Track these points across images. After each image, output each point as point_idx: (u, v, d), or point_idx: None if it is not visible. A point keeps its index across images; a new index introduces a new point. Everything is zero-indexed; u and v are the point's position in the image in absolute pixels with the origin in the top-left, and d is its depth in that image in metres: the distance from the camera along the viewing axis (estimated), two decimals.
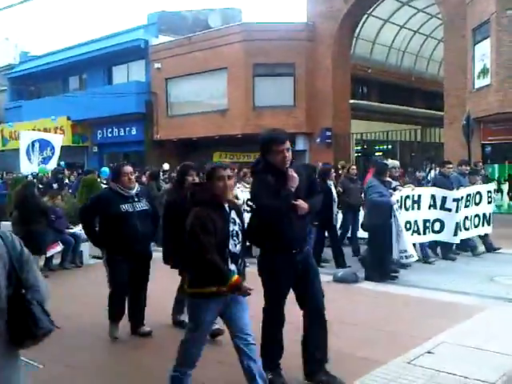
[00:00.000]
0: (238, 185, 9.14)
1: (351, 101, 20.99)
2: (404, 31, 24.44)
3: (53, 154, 17.92)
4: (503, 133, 15.73)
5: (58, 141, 18.46)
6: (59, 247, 8.58)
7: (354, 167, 10.44)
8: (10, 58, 32.37)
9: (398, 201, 7.78)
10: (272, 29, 19.82)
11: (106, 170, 15.18)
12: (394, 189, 8.09)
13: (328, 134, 19.63)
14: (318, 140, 19.78)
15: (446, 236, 8.74)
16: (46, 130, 25.73)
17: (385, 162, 8.90)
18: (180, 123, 21.78)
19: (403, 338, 4.95)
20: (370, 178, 7.90)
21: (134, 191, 5.14)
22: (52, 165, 17.59)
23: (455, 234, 8.74)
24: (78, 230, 9.40)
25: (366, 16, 21.35)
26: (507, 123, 15.38)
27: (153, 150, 22.89)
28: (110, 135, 24.57)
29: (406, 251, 7.63)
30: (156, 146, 22.94)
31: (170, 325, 5.38)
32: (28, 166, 16.94)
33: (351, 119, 20.81)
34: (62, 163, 20.01)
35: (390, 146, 22.63)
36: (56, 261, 8.83)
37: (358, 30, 21.55)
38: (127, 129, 23.71)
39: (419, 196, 8.42)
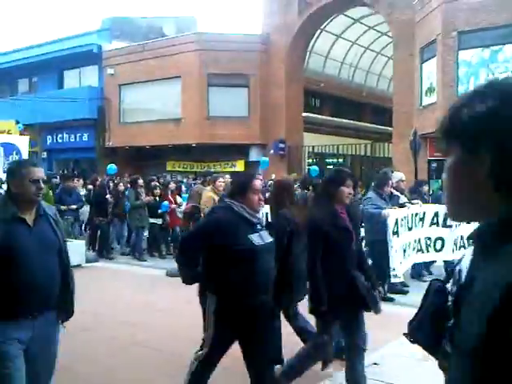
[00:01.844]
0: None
1: (304, 114, 21.36)
2: (356, 47, 25.11)
3: (20, 158, 17.08)
4: None
5: (24, 143, 17.48)
6: None
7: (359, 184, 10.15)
8: None
9: (404, 217, 7.26)
10: (227, 39, 19.96)
11: (112, 166, 14.24)
12: (402, 205, 7.41)
13: (281, 145, 19.88)
14: (272, 151, 20.00)
15: (445, 255, 8.26)
16: None
17: (385, 171, 8.10)
18: (133, 131, 21.53)
19: None
20: (369, 191, 7.43)
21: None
22: None
23: (453, 252, 8.19)
24: None
25: (319, 31, 21.80)
26: None
27: (104, 157, 22.48)
28: (60, 141, 23.97)
29: (394, 269, 7.15)
30: (108, 153, 22.55)
31: None
32: None
33: (304, 132, 21.16)
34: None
35: (341, 160, 23.12)
36: None
37: (311, 45, 21.98)
38: (78, 135, 23.21)
39: (424, 213, 7.95)
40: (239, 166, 20.51)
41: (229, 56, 19.51)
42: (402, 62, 17.39)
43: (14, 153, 16.82)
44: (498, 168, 0.89)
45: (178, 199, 12.08)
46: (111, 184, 12.96)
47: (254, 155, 20.52)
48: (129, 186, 11.92)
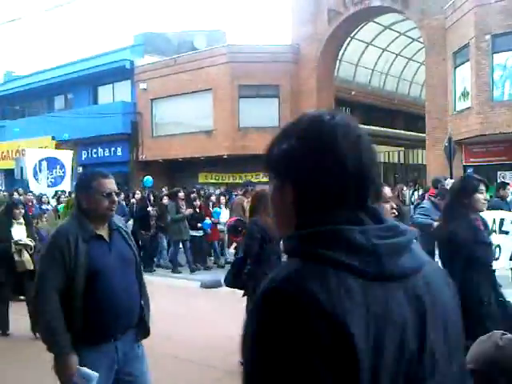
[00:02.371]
0: None
1: None
2: (386, 54, 24.89)
3: (64, 173, 16.82)
4: (484, 155, 16.02)
5: (68, 158, 17.45)
6: None
7: (405, 188, 9.83)
8: None
9: None
10: (257, 51, 20.07)
11: (149, 179, 14.04)
12: None
13: None
14: None
15: (502, 263, 7.75)
16: None
17: (438, 179, 7.66)
18: (165, 144, 21.81)
19: None
20: (425, 200, 6.92)
21: None
22: (66, 185, 16.35)
23: (510, 259, 7.73)
24: None
25: (349, 39, 21.72)
26: (488, 145, 15.68)
27: (138, 170, 22.83)
28: (94, 156, 24.47)
29: None
30: (141, 166, 22.90)
31: None
32: (36, 187, 15.93)
33: None
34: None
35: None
36: None
37: (341, 53, 21.90)
38: (112, 149, 23.65)
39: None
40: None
41: (259, 67, 19.60)
42: (434, 67, 17.15)
43: (58, 167, 16.83)
44: (297, 199, 1.04)
45: (224, 211, 12.03)
46: (151, 197, 12.94)
47: None
48: (168, 198, 11.85)
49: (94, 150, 24.38)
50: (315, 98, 19.85)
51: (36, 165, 16.43)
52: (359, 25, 20.88)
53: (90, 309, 2.59)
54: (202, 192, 13.74)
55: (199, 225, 11.32)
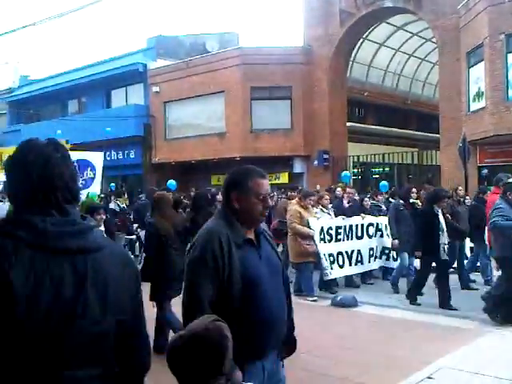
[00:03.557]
0: (315, 209, 8.75)
1: (348, 124, 21.18)
2: (399, 55, 24.78)
3: (95, 174, 16.73)
4: (499, 155, 15.86)
5: (99, 159, 17.35)
6: None
7: (461, 188, 9.90)
8: (9, 82, 32.64)
9: None
10: (269, 53, 20.08)
11: (172, 182, 13.89)
12: None
13: (325, 156, 19.75)
14: (316, 162, 19.89)
15: None
16: None
17: (500, 177, 7.80)
18: (178, 146, 21.89)
19: (403, 363, 4.95)
20: (497, 200, 6.66)
21: None
22: (96, 187, 15.99)
23: None
24: None
25: (361, 40, 21.65)
26: (503, 145, 15.52)
27: (151, 173, 22.95)
28: (108, 158, 24.53)
29: None
30: (154, 169, 23.02)
31: None
32: None
33: (348, 142, 20.97)
34: (112, 185, 18.80)
35: (387, 169, 22.76)
36: None
37: (353, 54, 21.84)
38: (126, 152, 23.77)
39: None
40: (283, 178, 20.50)
41: (271, 69, 19.61)
42: (447, 67, 17.03)
43: (89, 169, 16.72)
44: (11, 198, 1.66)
45: None
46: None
47: (298, 167, 20.47)
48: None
49: (108, 153, 24.49)
50: (328, 99, 19.81)
51: None
52: (371, 26, 20.81)
53: (245, 322, 2.23)
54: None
55: None
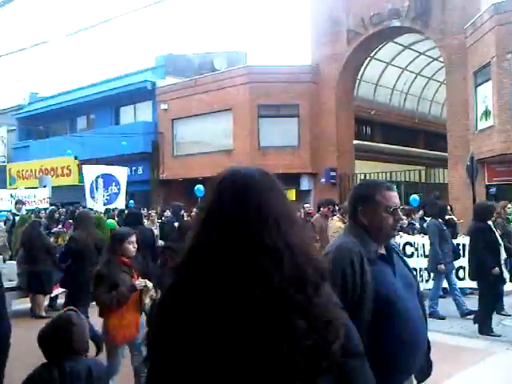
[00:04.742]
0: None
1: (355, 141, 21.21)
2: (406, 74, 24.87)
3: (119, 190, 16.53)
4: (507, 174, 15.80)
5: (123, 174, 17.06)
6: None
7: (510, 206, 9.49)
8: (19, 99, 33.03)
9: None
10: (276, 71, 20.21)
11: (200, 188, 13.52)
12: None
13: (332, 174, 19.75)
14: (323, 180, 19.89)
15: None
16: (52, 170, 26.03)
17: None
18: (185, 163, 21.98)
19: None
20: None
21: None
22: (120, 203, 16.13)
23: None
24: None
25: (368, 59, 21.76)
26: (511, 164, 15.47)
27: (158, 189, 23.03)
28: None
29: None
30: (162, 185, 23.08)
31: None
32: (93, 206, 15.79)
33: (355, 160, 20.97)
34: (131, 202, 18.33)
35: (394, 187, 22.67)
36: (60, 301, 8.78)
37: (361, 73, 21.94)
38: (133, 168, 23.86)
39: None
40: (290, 196, 20.47)
41: (279, 87, 19.72)
42: (455, 86, 17.07)
43: (113, 184, 16.63)
44: None
45: None
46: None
47: (305, 184, 20.47)
48: None
49: None
50: (335, 117, 19.87)
51: (93, 182, 16.20)
52: (378, 45, 20.93)
53: (378, 344, 1.99)
54: None
55: None
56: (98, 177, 16.28)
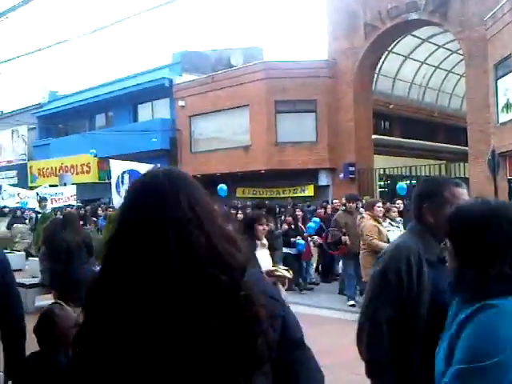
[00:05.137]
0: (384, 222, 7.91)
1: (373, 136, 21.05)
2: (425, 67, 24.60)
3: None
4: None
5: None
6: None
7: None
8: (39, 98, 33.42)
9: None
10: (293, 66, 20.14)
11: (222, 188, 13.66)
12: None
13: (351, 169, 19.64)
14: (341, 175, 19.79)
15: None
16: (72, 167, 26.30)
17: None
18: (203, 159, 22.04)
19: None
20: None
21: None
22: None
23: None
24: None
25: (386, 53, 21.57)
26: None
27: None
28: None
29: None
30: None
31: None
32: (118, 201, 15.17)
33: (374, 154, 20.82)
34: None
35: (414, 181, 22.48)
36: None
37: (378, 67, 21.76)
38: (152, 165, 23.98)
39: None
40: (309, 191, 20.44)
41: (296, 82, 19.65)
42: (474, 79, 16.83)
43: None
44: None
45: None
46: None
47: (323, 179, 20.40)
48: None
49: None
50: (353, 111, 19.74)
51: (119, 177, 16.24)
52: (396, 38, 20.73)
53: (431, 353, 1.80)
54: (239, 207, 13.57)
55: (292, 240, 10.19)
56: (124, 172, 16.32)
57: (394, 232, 7.68)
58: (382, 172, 20.62)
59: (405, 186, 12.60)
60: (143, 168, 17.17)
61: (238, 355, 1.14)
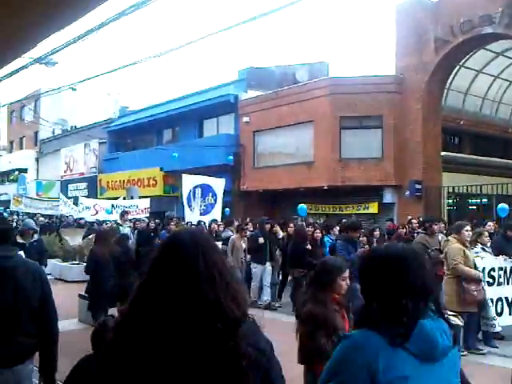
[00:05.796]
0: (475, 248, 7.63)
1: (442, 153, 20.32)
2: (499, 81, 23.59)
3: (215, 201, 16.44)
4: None
5: (220, 186, 17.06)
6: None
7: None
8: (110, 113, 34.81)
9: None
10: (359, 82, 19.82)
11: (303, 207, 13.32)
12: None
13: (417, 186, 19.01)
14: (407, 193, 19.20)
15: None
16: (139, 181, 27.06)
17: None
18: (266, 175, 22.05)
19: None
20: None
21: None
22: (216, 214, 16.04)
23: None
24: None
25: (457, 67, 20.85)
26: None
27: (239, 200, 23.25)
28: None
29: None
30: (242, 196, 23.28)
31: None
32: (190, 215, 15.81)
33: (443, 172, 20.08)
34: (227, 210, 18.17)
35: (485, 200, 21.48)
36: None
37: (449, 81, 21.05)
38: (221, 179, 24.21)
39: None
40: (373, 208, 19.95)
41: (361, 98, 19.33)
42: None
43: (210, 195, 16.77)
44: None
45: None
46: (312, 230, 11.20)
47: (388, 197, 19.86)
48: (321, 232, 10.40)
49: None
50: (421, 128, 19.16)
51: (190, 191, 16.23)
52: (469, 53, 20.02)
53: None
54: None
55: None
56: (195, 186, 16.27)
57: (486, 258, 7.32)
58: (450, 190, 19.83)
59: (506, 206, 11.53)
60: (214, 182, 17.20)
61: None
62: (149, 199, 19.79)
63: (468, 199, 21.89)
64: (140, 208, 18.44)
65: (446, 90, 21.17)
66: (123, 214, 14.22)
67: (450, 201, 21.32)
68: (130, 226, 13.58)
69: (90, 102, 38.84)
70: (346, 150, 19.93)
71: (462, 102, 23.35)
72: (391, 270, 1.78)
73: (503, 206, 10.99)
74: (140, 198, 20.52)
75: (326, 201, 21.00)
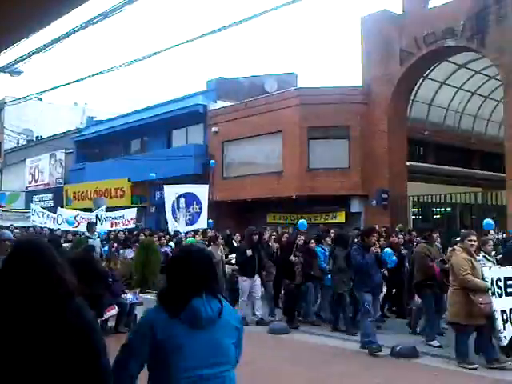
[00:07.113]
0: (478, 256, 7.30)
1: (408, 163, 20.71)
2: (461, 93, 24.22)
3: (200, 208, 15.98)
4: None
5: (204, 192, 16.52)
6: (115, 310, 8.64)
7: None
8: (77, 123, 34.31)
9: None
10: (327, 93, 20.07)
11: (304, 222, 12.01)
12: None
13: (384, 196, 19.31)
14: (374, 202, 19.47)
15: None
16: (107, 191, 26.70)
17: None
18: (235, 185, 22.06)
19: None
20: None
21: None
22: (203, 222, 15.61)
23: None
24: (132, 293, 9.54)
25: (422, 79, 21.33)
26: None
27: (209, 211, 23.13)
28: None
29: None
30: (212, 207, 23.16)
31: None
32: (175, 226, 15.33)
33: (408, 181, 20.45)
34: (210, 221, 17.44)
35: (449, 209, 21.94)
36: (110, 324, 8.87)
37: (414, 93, 21.51)
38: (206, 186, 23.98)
39: None
40: (340, 218, 20.15)
41: (329, 109, 19.57)
42: None
43: (195, 203, 16.12)
44: None
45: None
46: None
47: (355, 206, 20.11)
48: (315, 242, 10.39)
49: None
50: (387, 138, 19.50)
51: (174, 202, 15.44)
52: (433, 65, 20.51)
53: None
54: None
55: None
56: (179, 197, 15.75)
57: (491, 269, 7.04)
58: (415, 199, 20.20)
59: (491, 221, 11.14)
60: (197, 189, 16.72)
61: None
62: (135, 209, 19.33)
63: (433, 208, 22.33)
64: (126, 218, 18.00)
65: (410, 101, 21.63)
66: (91, 225, 13.70)
67: (416, 210, 21.70)
68: (99, 237, 13.25)
69: (56, 112, 38.26)
70: (314, 160, 20.13)
71: (427, 112, 23.88)
72: (177, 267, 2.54)
73: (488, 220, 11.02)
74: (107, 209, 20.08)
75: (295, 210, 21.10)
